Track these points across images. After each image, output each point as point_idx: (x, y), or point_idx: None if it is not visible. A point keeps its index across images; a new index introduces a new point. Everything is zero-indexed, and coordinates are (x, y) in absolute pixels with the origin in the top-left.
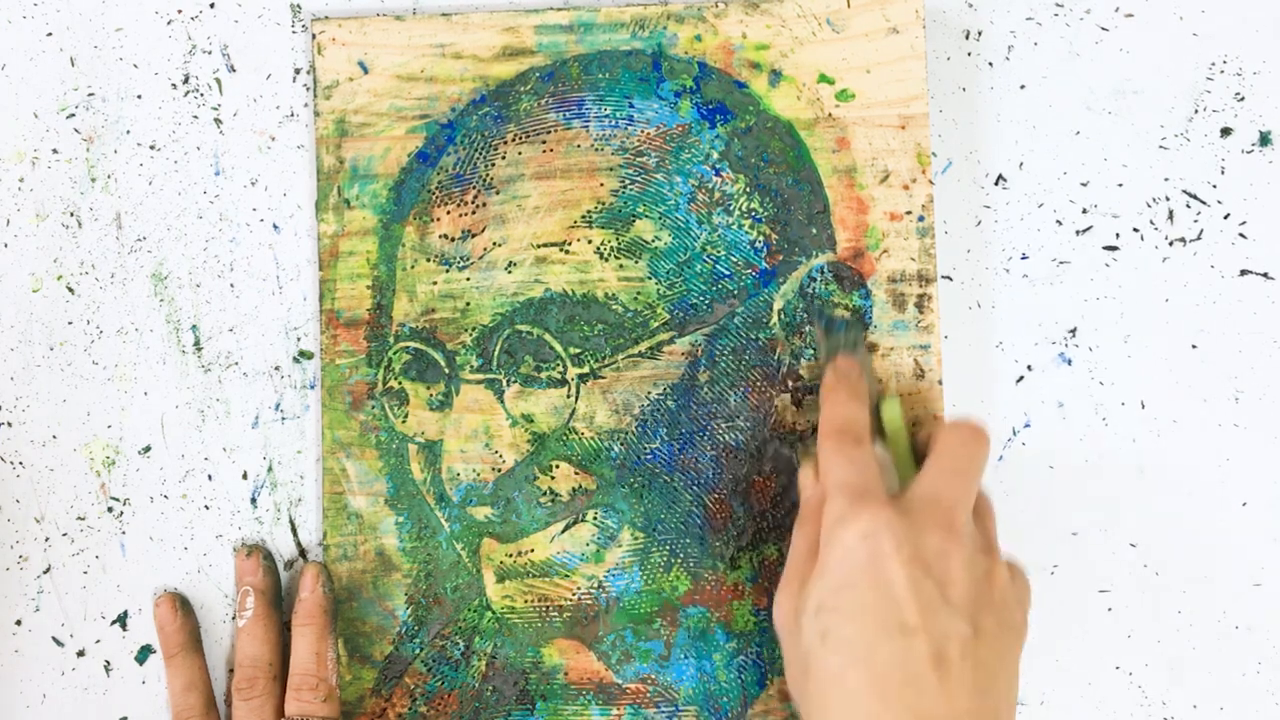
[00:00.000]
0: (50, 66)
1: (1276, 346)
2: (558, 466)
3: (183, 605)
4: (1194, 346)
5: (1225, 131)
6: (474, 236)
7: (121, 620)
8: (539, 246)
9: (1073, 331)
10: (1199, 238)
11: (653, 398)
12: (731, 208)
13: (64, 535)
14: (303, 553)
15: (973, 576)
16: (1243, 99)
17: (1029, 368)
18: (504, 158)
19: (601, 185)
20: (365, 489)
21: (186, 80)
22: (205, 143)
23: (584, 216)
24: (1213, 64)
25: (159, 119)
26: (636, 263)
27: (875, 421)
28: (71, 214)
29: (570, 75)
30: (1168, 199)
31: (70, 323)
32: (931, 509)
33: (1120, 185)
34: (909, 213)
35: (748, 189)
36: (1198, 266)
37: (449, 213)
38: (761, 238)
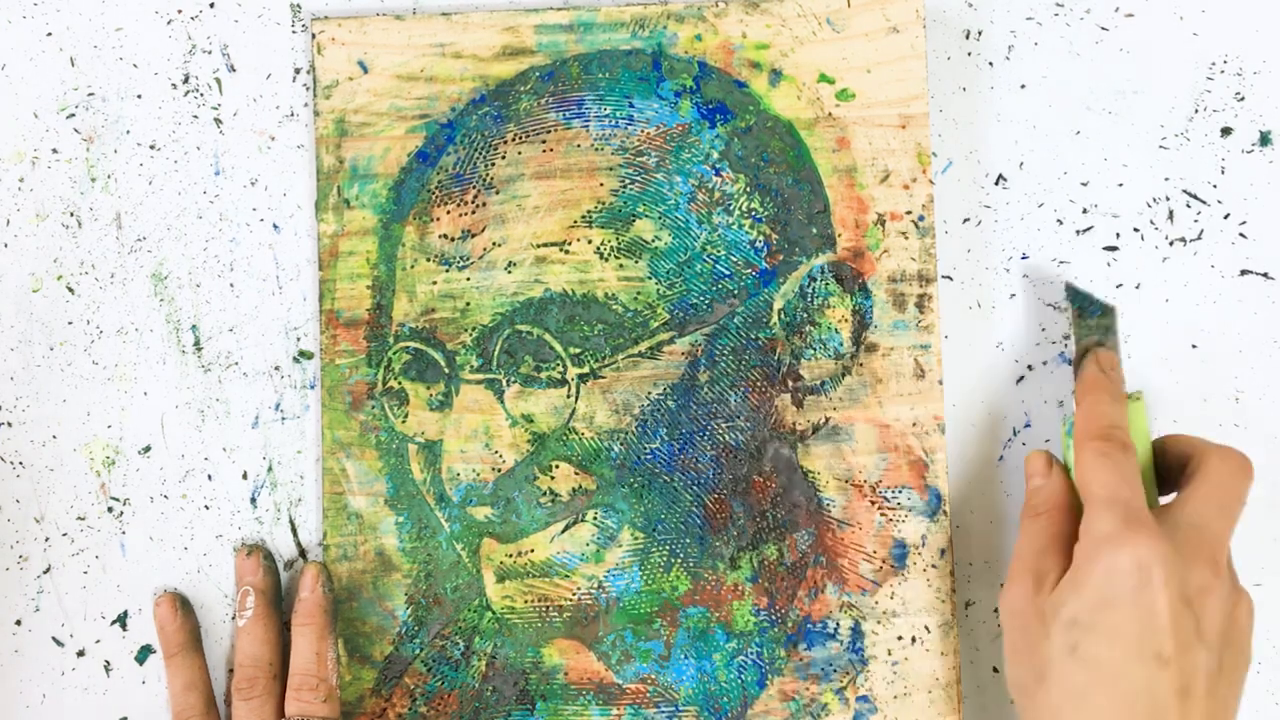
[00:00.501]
0: (50, 66)
1: (1276, 346)
2: (558, 466)
3: (183, 605)
4: (1194, 346)
5: (1225, 131)
6: (474, 236)
7: (121, 620)
8: (539, 246)
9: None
10: (1199, 238)
11: (653, 398)
12: (731, 207)
13: (64, 535)
14: (303, 553)
15: (1224, 614)
16: (1243, 99)
17: (1029, 368)
18: (504, 157)
19: (601, 185)
20: (365, 489)
21: (186, 80)
22: (205, 143)
23: (584, 216)
24: (1213, 64)
25: (159, 119)
26: (636, 262)
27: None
28: (71, 214)
29: (570, 75)
30: (1168, 199)
31: (70, 323)
32: (1199, 542)
33: (1120, 185)
34: (909, 212)
35: (748, 189)
36: (1198, 266)
37: (449, 212)
38: (762, 237)
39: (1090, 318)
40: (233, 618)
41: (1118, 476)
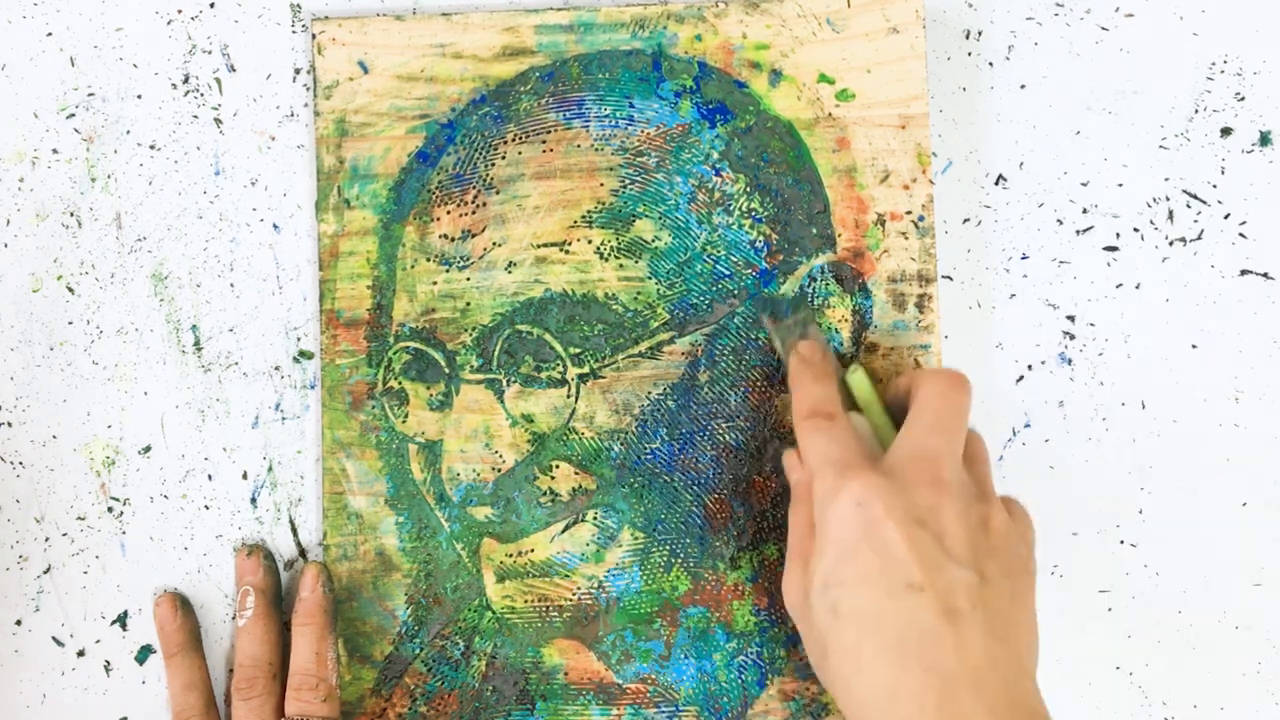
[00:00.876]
0: (50, 66)
1: (1276, 346)
2: (558, 466)
3: (183, 605)
4: (1194, 346)
5: (1225, 131)
6: (474, 236)
7: (121, 620)
8: (539, 246)
9: (1072, 332)
10: (1199, 238)
11: (653, 398)
12: (732, 208)
13: (64, 535)
14: (303, 553)
15: (968, 525)
16: (1243, 99)
17: (1029, 368)
18: (504, 158)
19: (601, 185)
20: (365, 489)
21: (186, 80)
22: (205, 143)
23: (584, 216)
24: (1213, 64)
25: (159, 119)
26: (636, 263)
27: (846, 395)
28: (71, 214)
29: (570, 75)
30: (1168, 199)
31: (70, 323)
32: (917, 465)
33: (1120, 185)
34: (909, 212)
35: (748, 189)
36: (1198, 266)
37: (449, 213)
38: (762, 238)
39: (784, 319)
40: (233, 618)
41: (828, 441)
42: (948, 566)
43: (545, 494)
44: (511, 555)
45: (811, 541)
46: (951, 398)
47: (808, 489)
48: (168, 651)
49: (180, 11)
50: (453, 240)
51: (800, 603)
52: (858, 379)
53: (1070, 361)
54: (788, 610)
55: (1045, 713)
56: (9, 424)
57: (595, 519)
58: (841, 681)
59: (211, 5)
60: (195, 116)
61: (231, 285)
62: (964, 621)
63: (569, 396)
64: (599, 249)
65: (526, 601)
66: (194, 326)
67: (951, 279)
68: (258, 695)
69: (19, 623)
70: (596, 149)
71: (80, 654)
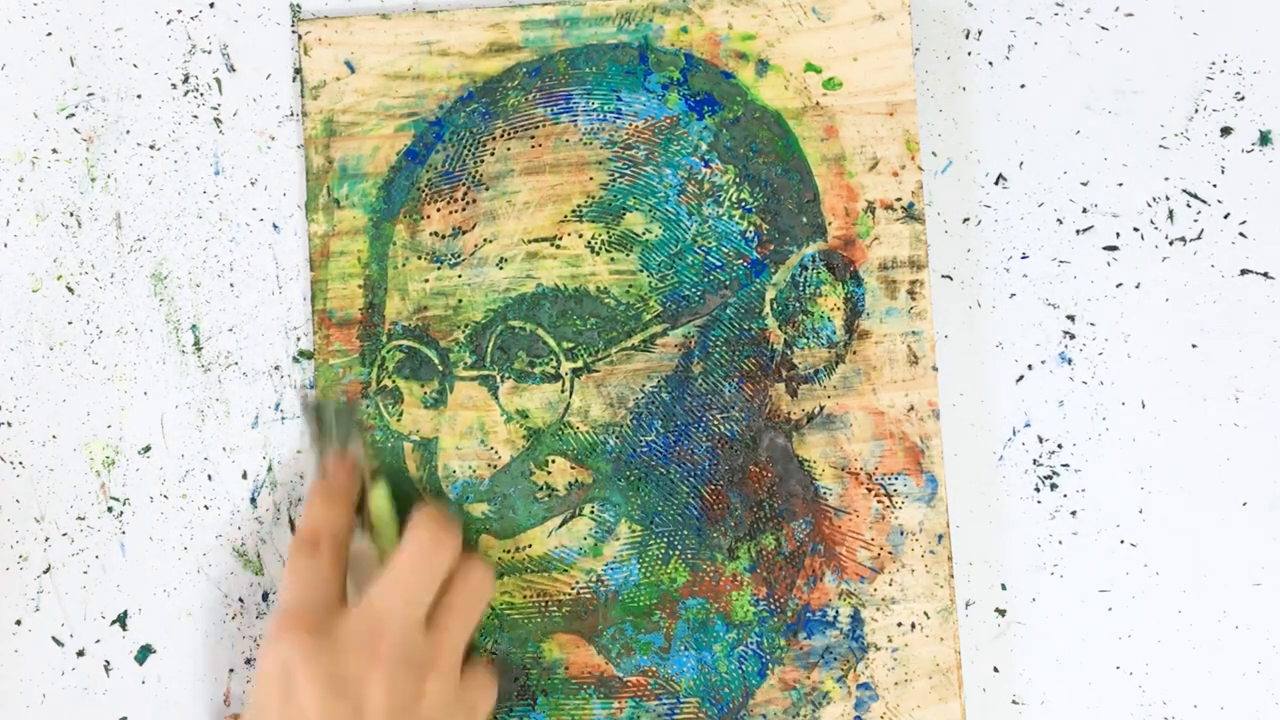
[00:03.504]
0: (50, 66)
1: (1276, 346)
2: (553, 461)
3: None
4: (1194, 346)
5: (1225, 131)
6: (464, 233)
7: (121, 620)
8: (530, 242)
9: (1072, 332)
10: (1199, 237)
11: (647, 390)
12: (721, 199)
13: (64, 535)
14: None
15: (393, 696)
16: (1243, 99)
17: (1029, 367)
18: (493, 154)
19: (591, 179)
20: None
21: (186, 80)
22: (205, 143)
23: (574, 211)
24: (1213, 64)
25: (159, 119)
26: (628, 256)
27: (365, 511)
28: (71, 214)
29: (557, 70)
30: (1168, 198)
31: (70, 323)
32: (359, 627)
33: (1120, 185)
34: (899, 199)
35: (737, 179)
36: (1198, 266)
37: (439, 210)
38: (752, 228)
39: (325, 426)
40: (232, 618)
41: (297, 578)
42: None
43: (541, 489)
44: (509, 551)
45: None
46: (428, 552)
47: None
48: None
49: (180, 11)
50: (443, 238)
51: None
52: (377, 497)
53: (1070, 361)
54: None
55: None
56: (9, 424)
57: (592, 513)
58: None
59: (211, 5)
60: (195, 116)
61: (231, 285)
62: None
63: (563, 391)
64: (590, 243)
65: (525, 597)
66: (194, 326)
67: (951, 279)
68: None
69: (19, 623)
70: (585, 143)
71: (80, 654)
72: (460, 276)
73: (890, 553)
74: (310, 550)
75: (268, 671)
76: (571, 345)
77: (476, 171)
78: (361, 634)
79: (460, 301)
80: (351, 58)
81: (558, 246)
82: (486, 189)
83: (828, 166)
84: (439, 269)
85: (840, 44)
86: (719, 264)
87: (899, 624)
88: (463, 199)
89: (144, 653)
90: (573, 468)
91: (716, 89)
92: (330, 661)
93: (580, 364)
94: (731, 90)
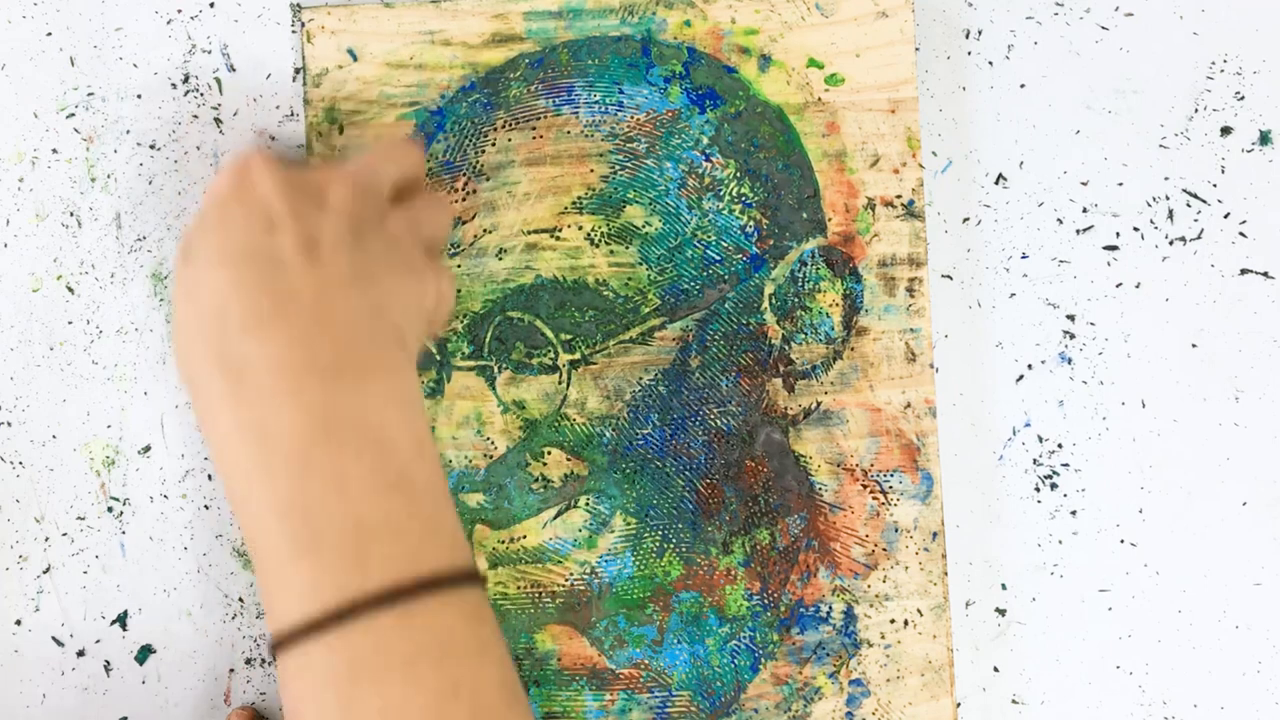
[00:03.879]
0: (50, 66)
1: (1276, 346)
2: (549, 453)
3: None
4: (1194, 346)
5: (1225, 131)
6: (464, 223)
7: (121, 620)
8: (529, 233)
9: (1073, 332)
10: (1199, 237)
11: (644, 383)
12: (722, 193)
13: (64, 535)
14: None
15: (361, 205)
16: (1243, 98)
17: (1029, 367)
18: (494, 144)
19: (591, 171)
20: None
21: (186, 80)
22: (205, 142)
23: (574, 203)
24: (1213, 63)
25: (159, 119)
26: (627, 248)
27: None
28: (71, 214)
29: (560, 61)
30: (1168, 198)
31: (70, 323)
32: (325, 169)
33: (1120, 184)
34: (899, 196)
35: (738, 174)
36: (1198, 266)
37: None
38: (752, 223)
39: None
40: (233, 617)
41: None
42: (319, 214)
43: (537, 480)
44: (504, 541)
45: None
46: (394, 148)
47: None
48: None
49: (180, 11)
50: None
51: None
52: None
53: (1070, 361)
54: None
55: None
56: (9, 424)
57: (587, 505)
58: (178, 324)
59: (211, 5)
60: (195, 116)
61: None
62: (323, 257)
63: (560, 383)
64: (589, 235)
65: (519, 588)
66: None
67: (951, 278)
68: None
69: (19, 623)
70: (586, 135)
71: (80, 654)
72: (459, 266)
73: (884, 549)
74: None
75: (221, 179)
76: (569, 337)
77: (477, 162)
78: (325, 170)
79: (459, 291)
80: (354, 46)
81: (557, 238)
82: (487, 179)
83: (828, 162)
84: None
85: (843, 40)
86: (718, 258)
87: (892, 621)
88: (463, 189)
89: (144, 653)
90: (569, 459)
91: (719, 83)
92: (294, 171)
93: (578, 356)
94: (734, 85)
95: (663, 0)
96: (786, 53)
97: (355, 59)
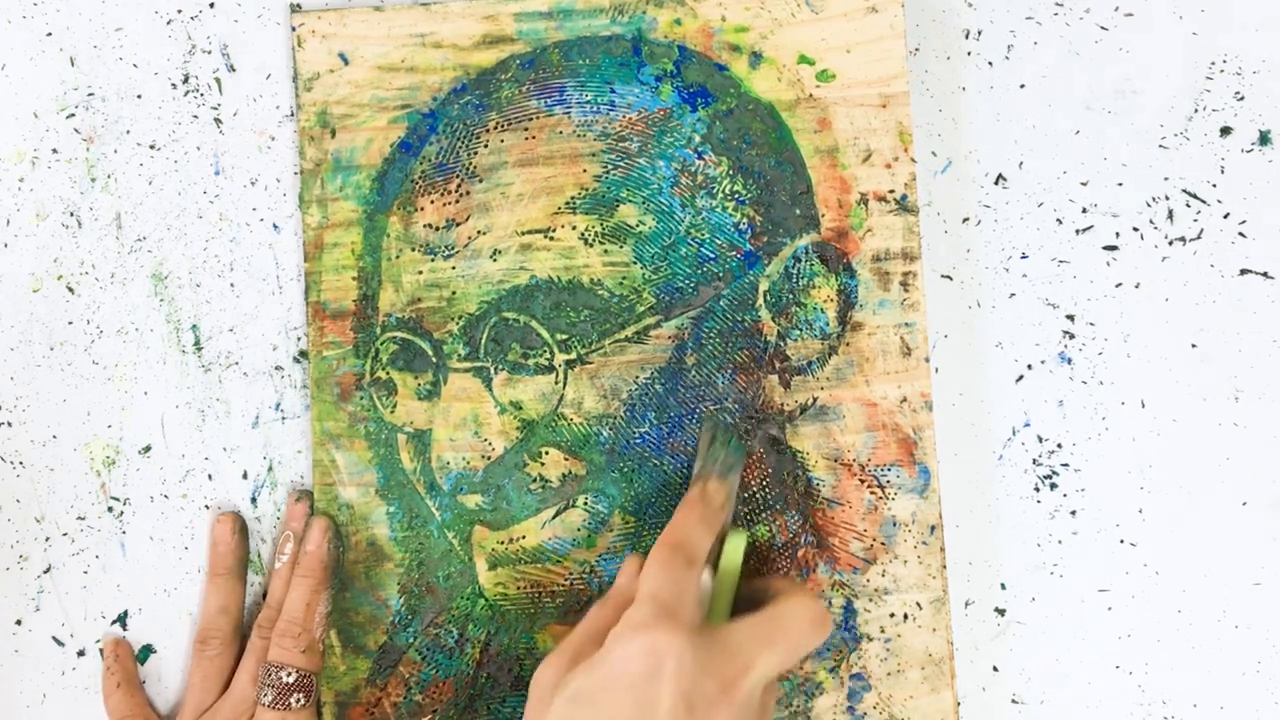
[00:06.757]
0: (50, 66)
1: (1276, 346)
2: (547, 453)
3: (241, 529)
4: (1194, 346)
5: (1225, 131)
6: (458, 225)
7: (121, 620)
8: (523, 234)
9: (1072, 332)
10: (1199, 237)
11: (640, 382)
12: (715, 190)
13: (64, 535)
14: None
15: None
16: (1243, 98)
17: (1029, 367)
18: (486, 146)
19: (584, 171)
20: (355, 479)
21: (186, 80)
22: (205, 142)
23: (568, 203)
24: (1213, 64)
25: (159, 119)
26: (621, 248)
27: (717, 549)
28: (71, 214)
29: (551, 62)
30: (1168, 198)
31: (70, 323)
32: (728, 658)
33: (1120, 185)
34: (892, 191)
35: (731, 171)
36: (1198, 266)
37: (433, 202)
38: (745, 220)
39: (719, 450)
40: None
41: (668, 579)
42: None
43: (535, 480)
44: (503, 542)
45: (592, 648)
46: (805, 628)
47: (624, 603)
48: (214, 571)
49: (180, 11)
50: (437, 229)
51: (545, 690)
52: (734, 545)
53: (1070, 361)
54: (532, 686)
55: None
56: (9, 424)
57: (586, 504)
58: None
59: (211, 5)
60: (195, 116)
61: (231, 285)
62: None
63: (557, 383)
64: (583, 235)
65: (519, 588)
66: (194, 326)
67: (951, 279)
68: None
69: (19, 623)
70: (579, 135)
71: (80, 654)
72: (454, 268)
73: (883, 544)
74: (685, 560)
75: (634, 651)
76: (565, 337)
77: (470, 163)
78: (727, 666)
79: (454, 293)
80: (345, 50)
81: (551, 238)
82: (480, 181)
83: (821, 158)
84: (433, 261)
85: (833, 36)
86: (712, 256)
87: (891, 615)
88: (456, 191)
89: (144, 653)
90: (566, 459)
91: (710, 81)
92: (696, 675)
93: (574, 356)
94: (725, 82)
95: None
96: (777, 49)
97: (346, 63)
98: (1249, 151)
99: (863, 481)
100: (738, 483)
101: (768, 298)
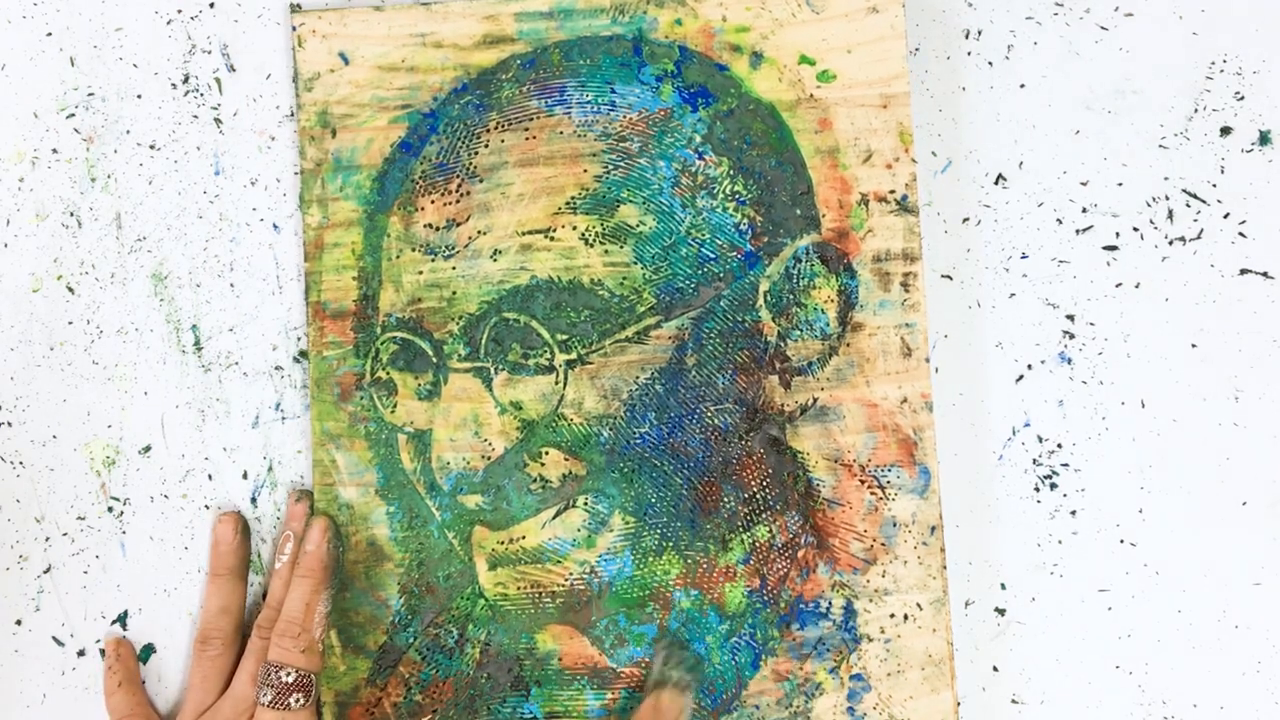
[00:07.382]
0: (50, 66)
1: (1276, 346)
2: (547, 453)
3: (243, 529)
4: (1194, 346)
5: (1225, 131)
6: (458, 225)
7: (121, 620)
8: (524, 234)
9: (1072, 332)
10: (1199, 237)
11: (641, 382)
12: (715, 191)
13: (64, 535)
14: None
15: None
16: (1243, 98)
17: (1029, 367)
18: (487, 146)
19: (585, 171)
20: (355, 480)
21: (186, 80)
22: (205, 142)
23: (568, 203)
24: (1213, 64)
25: (159, 119)
26: (621, 248)
27: None
28: (71, 214)
29: (551, 62)
30: (1168, 198)
31: (70, 323)
32: None
33: (1120, 185)
34: (892, 191)
35: (731, 172)
36: (1197, 266)
37: (433, 202)
38: (746, 220)
39: (673, 670)
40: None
41: None
42: None
43: (535, 480)
44: (503, 542)
45: None
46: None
47: None
48: (215, 571)
49: (180, 11)
50: (437, 229)
51: None
52: None
53: (1070, 361)
54: None
55: None
56: (9, 424)
57: (586, 504)
58: None
59: (211, 5)
60: (195, 116)
61: (231, 285)
62: None
63: (557, 383)
64: (584, 235)
65: (519, 588)
66: (194, 326)
67: (951, 279)
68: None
69: (19, 623)
70: (579, 135)
71: (80, 654)
72: (454, 268)
73: (883, 544)
74: None
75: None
76: (565, 337)
77: (470, 163)
78: None
79: (454, 293)
80: (345, 50)
81: (552, 239)
82: (480, 181)
83: (821, 159)
84: (433, 261)
85: (834, 37)
86: (713, 256)
87: (891, 615)
88: (457, 191)
89: (145, 652)
90: (566, 459)
91: (710, 81)
92: None
93: (574, 356)
94: (725, 83)
95: None
96: (778, 50)
97: (347, 62)
98: (1249, 151)
99: (863, 482)
100: (691, 703)
101: (768, 298)
